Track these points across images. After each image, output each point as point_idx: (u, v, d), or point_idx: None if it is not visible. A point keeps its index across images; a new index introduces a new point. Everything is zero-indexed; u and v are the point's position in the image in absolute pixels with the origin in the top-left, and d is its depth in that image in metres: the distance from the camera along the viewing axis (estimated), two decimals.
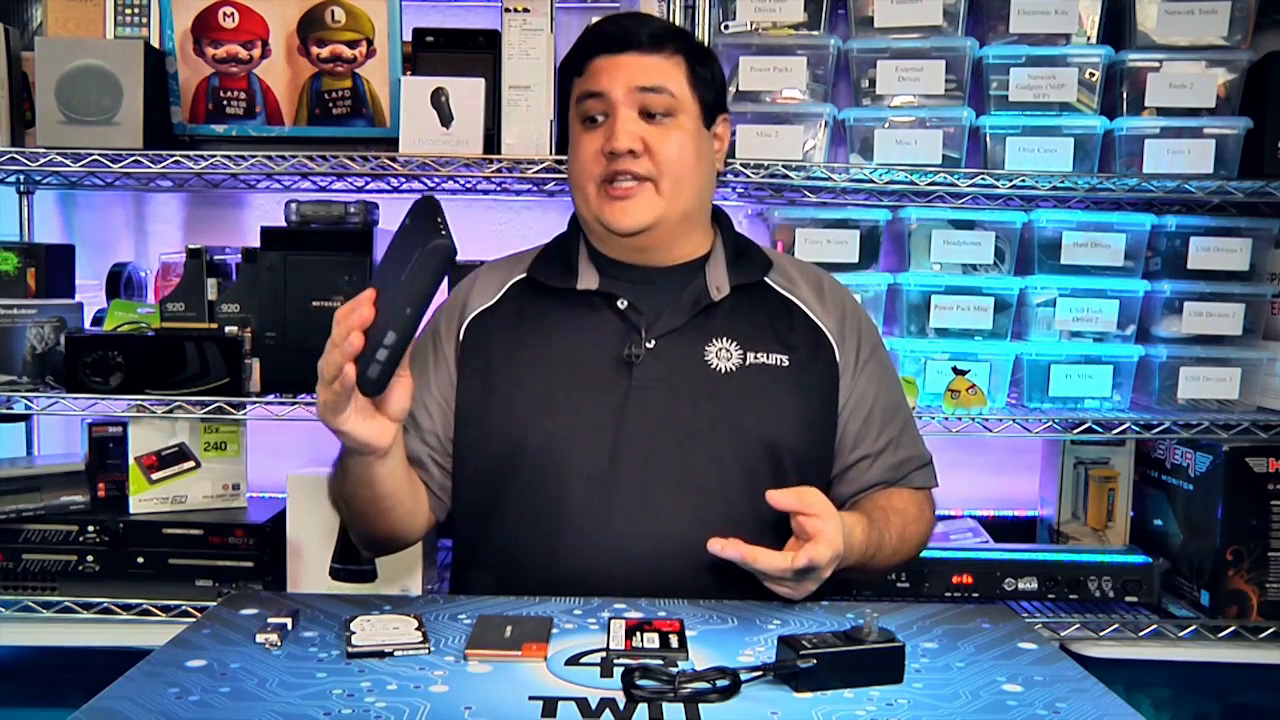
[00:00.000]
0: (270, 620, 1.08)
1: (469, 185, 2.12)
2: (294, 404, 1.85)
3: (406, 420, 1.35)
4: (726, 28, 1.95)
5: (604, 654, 1.02)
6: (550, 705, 0.90)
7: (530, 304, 1.38)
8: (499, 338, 1.36)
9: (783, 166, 1.89)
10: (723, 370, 1.31)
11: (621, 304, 1.34)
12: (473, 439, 1.35)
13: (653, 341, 1.31)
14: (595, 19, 1.58)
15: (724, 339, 1.33)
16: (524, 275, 1.40)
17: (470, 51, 1.92)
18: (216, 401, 1.84)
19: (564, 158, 1.82)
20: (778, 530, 1.19)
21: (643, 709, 0.90)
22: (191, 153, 1.88)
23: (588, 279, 1.36)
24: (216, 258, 1.95)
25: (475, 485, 1.35)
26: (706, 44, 1.92)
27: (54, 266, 2.01)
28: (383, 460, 1.20)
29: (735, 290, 1.36)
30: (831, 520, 1.14)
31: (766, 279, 1.39)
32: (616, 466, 1.27)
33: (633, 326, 1.32)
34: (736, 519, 1.25)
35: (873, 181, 1.93)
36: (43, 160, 1.85)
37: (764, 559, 1.11)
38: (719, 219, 1.43)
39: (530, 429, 1.30)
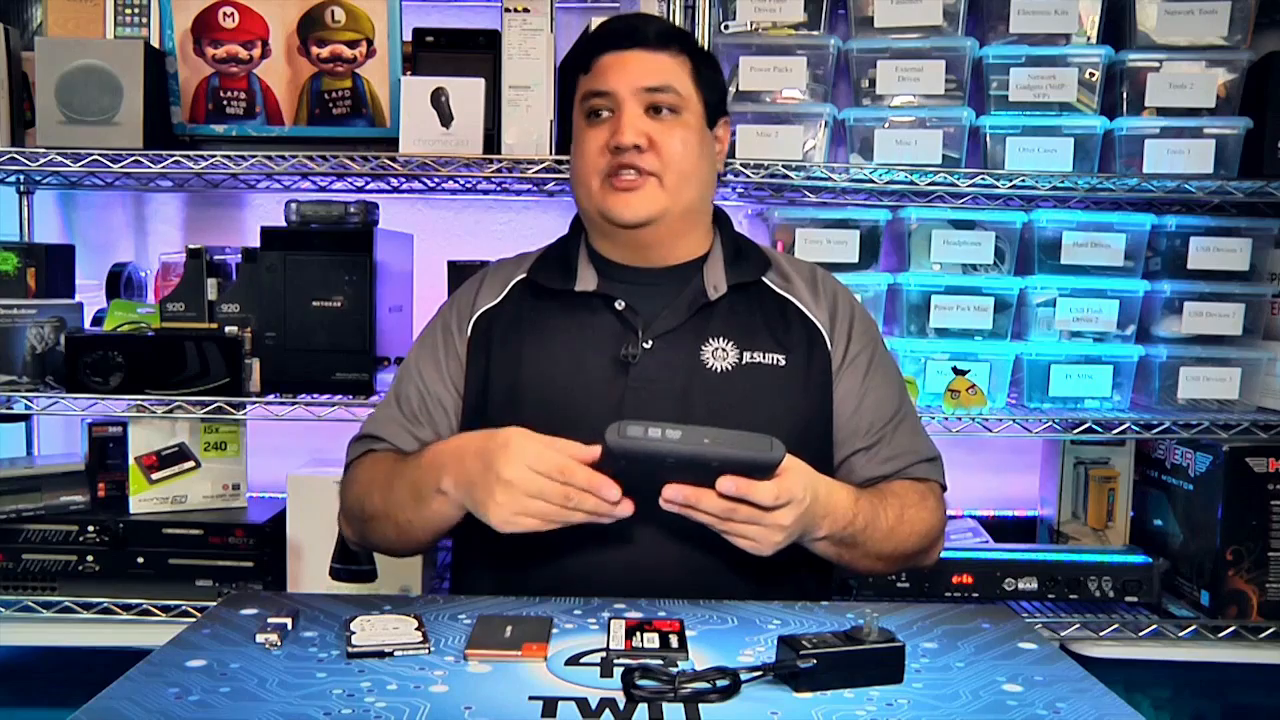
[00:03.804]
0: (270, 620, 1.08)
1: (469, 185, 2.12)
2: (294, 404, 1.85)
3: (423, 416, 1.37)
4: (726, 28, 1.95)
5: (604, 654, 1.02)
6: (550, 705, 0.90)
7: (530, 305, 1.38)
8: (500, 337, 1.37)
9: (783, 166, 1.89)
10: (718, 370, 1.31)
11: (619, 305, 1.34)
12: None
13: (650, 342, 1.31)
14: (595, 19, 1.59)
15: (720, 339, 1.33)
16: (525, 276, 1.41)
17: (470, 51, 1.92)
18: (216, 401, 1.84)
19: (564, 158, 1.83)
20: None
21: (643, 709, 0.90)
22: (191, 153, 1.88)
23: (586, 280, 1.36)
24: (216, 258, 1.95)
25: None
26: (707, 44, 1.93)
27: (54, 266, 2.01)
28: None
29: (733, 290, 1.36)
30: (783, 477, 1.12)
31: (764, 279, 1.39)
32: None
33: (630, 327, 1.32)
34: None
35: (873, 181, 1.93)
36: (43, 160, 1.85)
37: (706, 500, 1.10)
38: (719, 219, 1.43)
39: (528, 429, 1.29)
